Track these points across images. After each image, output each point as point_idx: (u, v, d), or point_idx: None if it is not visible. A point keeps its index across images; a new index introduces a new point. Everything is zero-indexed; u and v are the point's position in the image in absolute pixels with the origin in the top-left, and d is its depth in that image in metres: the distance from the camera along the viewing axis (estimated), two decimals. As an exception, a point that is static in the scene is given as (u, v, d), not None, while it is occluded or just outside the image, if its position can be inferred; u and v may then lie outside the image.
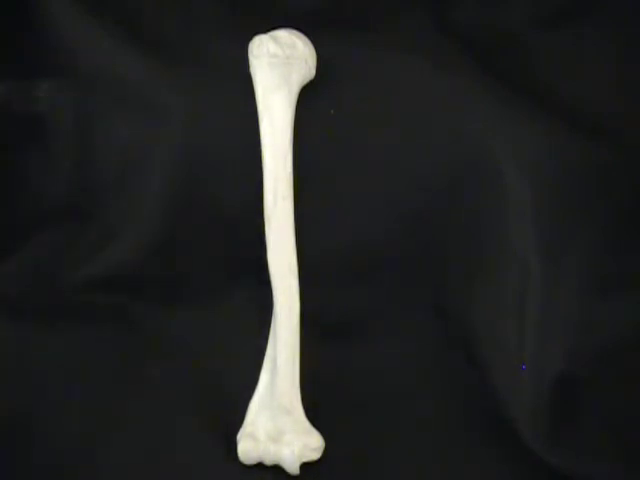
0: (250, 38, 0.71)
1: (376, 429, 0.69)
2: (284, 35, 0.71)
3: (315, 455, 0.67)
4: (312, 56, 0.72)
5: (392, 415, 0.70)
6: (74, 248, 0.78)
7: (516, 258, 0.70)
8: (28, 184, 0.79)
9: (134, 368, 0.73)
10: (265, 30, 0.71)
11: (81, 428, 0.69)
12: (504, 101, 0.72)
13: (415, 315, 0.75)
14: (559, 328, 0.69)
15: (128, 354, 0.74)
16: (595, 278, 0.70)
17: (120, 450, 0.68)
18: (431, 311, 0.75)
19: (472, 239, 0.73)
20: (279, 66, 0.70)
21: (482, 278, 0.73)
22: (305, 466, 0.66)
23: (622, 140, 0.72)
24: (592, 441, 0.67)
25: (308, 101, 0.72)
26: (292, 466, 0.66)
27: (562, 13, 0.76)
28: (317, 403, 0.68)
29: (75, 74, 0.77)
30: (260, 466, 0.67)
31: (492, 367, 0.71)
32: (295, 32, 0.71)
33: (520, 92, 0.73)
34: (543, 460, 0.67)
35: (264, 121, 0.70)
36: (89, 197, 0.78)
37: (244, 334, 0.74)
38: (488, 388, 0.71)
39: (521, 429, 0.68)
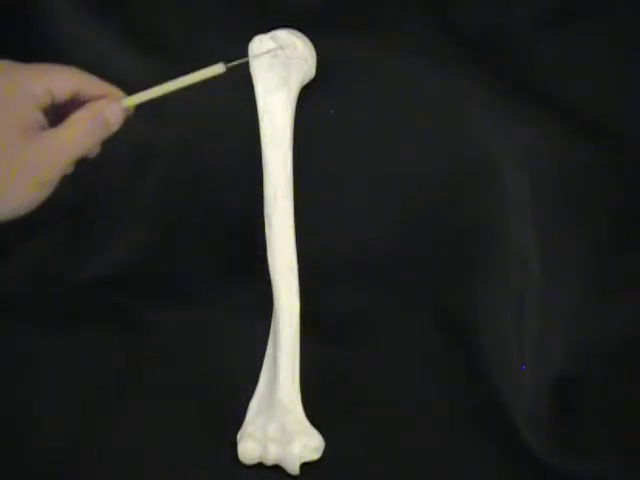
0: (250, 38, 0.71)
1: (376, 429, 0.69)
2: (284, 35, 0.71)
3: (315, 455, 0.67)
4: (312, 56, 0.72)
5: (392, 415, 0.70)
6: (74, 248, 0.78)
7: (516, 258, 0.70)
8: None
9: (134, 368, 0.73)
10: (265, 30, 0.71)
11: (81, 428, 0.69)
12: (504, 101, 0.72)
13: (415, 315, 0.75)
14: (559, 328, 0.69)
15: (128, 354, 0.74)
16: (595, 278, 0.70)
17: (120, 450, 0.68)
18: (431, 311, 0.75)
19: (472, 239, 0.73)
20: (279, 66, 0.70)
21: (482, 278, 0.73)
22: (305, 466, 0.66)
23: (622, 140, 0.72)
24: (592, 441, 0.67)
25: (308, 101, 0.72)
26: (292, 466, 0.66)
27: (562, 13, 0.76)
28: (317, 403, 0.68)
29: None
30: (260, 466, 0.67)
31: (492, 367, 0.71)
32: (295, 32, 0.72)
33: (520, 92, 0.73)
34: (543, 460, 0.67)
35: (264, 121, 0.70)
36: (89, 197, 0.78)
37: (244, 333, 0.74)
38: (488, 388, 0.71)
39: (521, 429, 0.68)
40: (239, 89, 0.72)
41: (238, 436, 0.68)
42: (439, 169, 0.73)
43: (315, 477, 0.67)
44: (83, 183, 0.78)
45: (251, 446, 0.67)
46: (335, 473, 0.67)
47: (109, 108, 0.60)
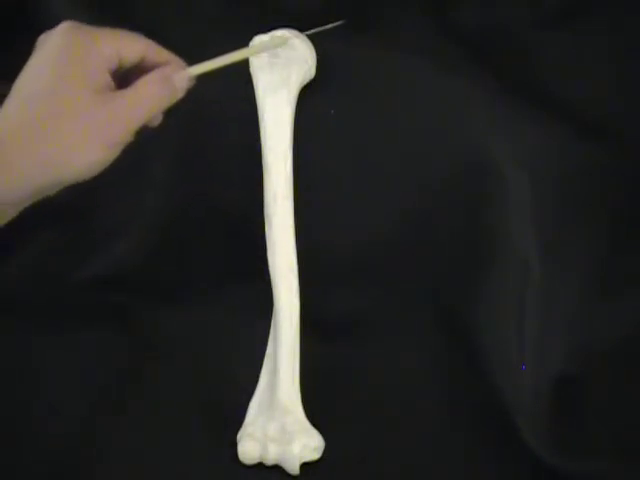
0: (250, 38, 0.71)
1: (376, 429, 0.69)
2: (284, 35, 0.71)
3: (315, 455, 0.67)
4: (312, 56, 0.72)
5: (392, 415, 0.70)
6: (74, 248, 0.78)
7: (516, 258, 0.70)
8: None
9: (134, 368, 0.73)
10: (265, 30, 0.71)
11: (81, 428, 0.69)
12: (504, 101, 0.72)
13: (415, 315, 0.75)
14: (559, 328, 0.69)
15: (128, 354, 0.74)
16: (595, 278, 0.70)
17: (120, 450, 0.68)
18: (431, 311, 0.75)
19: (472, 239, 0.73)
20: (279, 66, 0.70)
21: (482, 278, 0.73)
22: (305, 466, 0.66)
23: (622, 140, 0.72)
24: (592, 441, 0.67)
25: (308, 101, 0.72)
26: (292, 466, 0.66)
27: (562, 13, 0.76)
28: (317, 403, 0.68)
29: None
30: (260, 466, 0.67)
31: (492, 367, 0.71)
32: (295, 32, 0.71)
33: (520, 92, 0.73)
34: (543, 460, 0.67)
35: (264, 121, 0.70)
36: (89, 197, 0.78)
37: (244, 334, 0.74)
38: (488, 388, 0.71)
39: (521, 429, 0.68)
40: (239, 89, 0.72)
41: (238, 436, 0.67)
42: (439, 169, 0.73)
43: (315, 477, 0.67)
44: (82, 183, 0.78)
45: (251, 446, 0.67)
46: (335, 473, 0.67)
47: (177, 74, 0.59)
